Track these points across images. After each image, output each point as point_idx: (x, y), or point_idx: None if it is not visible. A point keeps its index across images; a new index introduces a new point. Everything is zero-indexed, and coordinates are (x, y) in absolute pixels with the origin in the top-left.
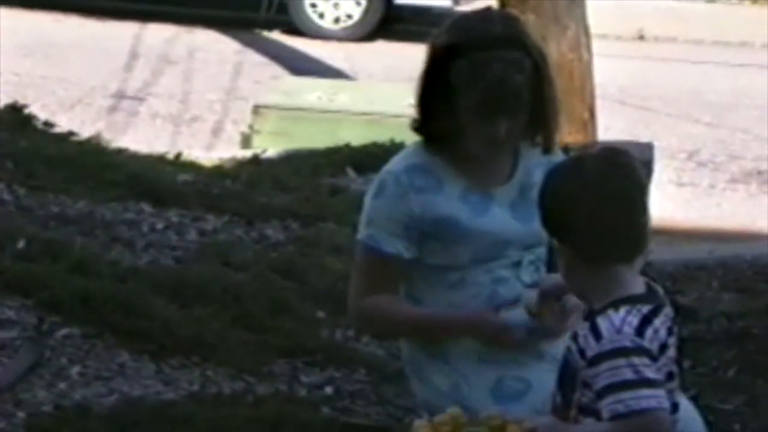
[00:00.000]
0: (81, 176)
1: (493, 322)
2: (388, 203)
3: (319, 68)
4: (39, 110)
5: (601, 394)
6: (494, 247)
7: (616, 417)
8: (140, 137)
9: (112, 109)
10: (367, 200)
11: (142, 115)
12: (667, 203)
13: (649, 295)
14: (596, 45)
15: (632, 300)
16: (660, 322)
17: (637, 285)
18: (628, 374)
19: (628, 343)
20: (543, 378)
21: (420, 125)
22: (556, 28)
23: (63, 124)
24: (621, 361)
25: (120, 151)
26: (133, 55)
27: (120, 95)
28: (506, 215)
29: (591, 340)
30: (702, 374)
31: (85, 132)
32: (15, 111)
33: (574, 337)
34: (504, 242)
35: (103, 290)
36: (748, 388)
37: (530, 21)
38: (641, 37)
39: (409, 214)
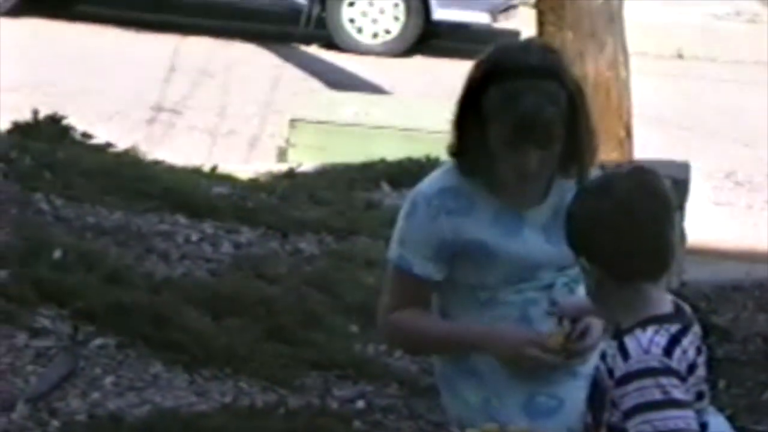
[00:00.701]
0: (117, 187)
1: (524, 335)
2: (420, 225)
3: (356, 83)
4: (77, 122)
5: (628, 414)
6: (525, 269)
7: None
8: (177, 150)
9: (150, 122)
10: (400, 220)
11: (179, 127)
12: (704, 223)
13: (677, 315)
14: (634, 63)
15: (660, 320)
16: (688, 342)
17: (665, 304)
18: (656, 395)
19: (656, 364)
20: (575, 396)
21: (455, 150)
22: (594, 45)
23: (101, 135)
24: (649, 382)
25: (156, 163)
26: (171, 68)
27: (158, 108)
28: (538, 238)
29: (619, 359)
30: (737, 395)
31: (122, 144)
32: (54, 122)
33: (603, 357)
34: (535, 265)
35: (137, 301)
36: None
37: (568, 38)
38: (680, 56)
39: (440, 236)
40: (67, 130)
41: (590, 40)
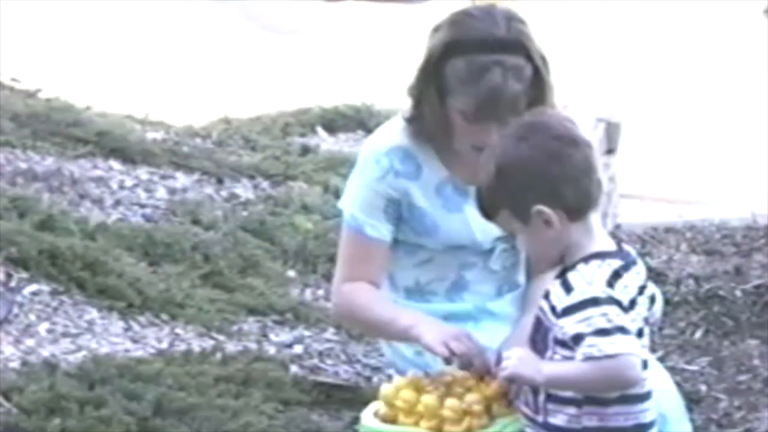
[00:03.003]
0: (49, 132)
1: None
2: (369, 183)
3: (292, 26)
4: (6, 67)
5: (575, 341)
6: (464, 240)
7: (589, 360)
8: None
9: (77, 69)
10: (353, 174)
11: (111, 75)
12: (637, 166)
13: (619, 252)
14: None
15: (602, 255)
16: (630, 278)
17: (608, 243)
18: (602, 322)
19: (599, 294)
20: (500, 340)
21: (410, 117)
22: None
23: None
24: (593, 311)
25: (88, 108)
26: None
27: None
28: (479, 215)
29: (562, 293)
30: (669, 336)
31: (52, 90)
32: None
33: (546, 296)
34: (474, 238)
35: (71, 247)
36: (714, 350)
37: None
38: None
39: (387, 195)
40: None
41: None
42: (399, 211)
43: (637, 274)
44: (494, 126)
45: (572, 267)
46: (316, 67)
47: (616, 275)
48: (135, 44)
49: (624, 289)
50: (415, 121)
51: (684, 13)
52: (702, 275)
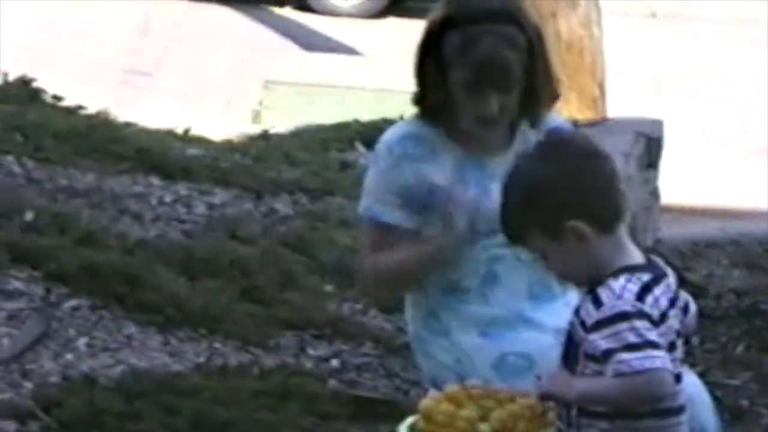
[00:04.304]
0: (90, 149)
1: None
2: (383, 173)
3: (330, 45)
4: (49, 85)
5: (606, 357)
6: (488, 220)
7: (619, 376)
8: (150, 113)
9: (122, 84)
10: (367, 173)
11: (152, 90)
12: (678, 181)
13: (648, 266)
14: (607, 22)
15: (632, 269)
16: (660, 292)
17: (637, 256)
18: (631, 337)
19: (629, 308)
20: (546, 354)
21: (416, 97)
22: (567, 3)
23: (73, 98)
24: (623, 325)
25: (129, 125)
26: (145, 31)
27: (129, 71)
28: (500, 187)
29: (591, 308)
30: (711, 350)
31: (94, 107)
32: (24, 85)
33: (576, 312)
34: (496, 215)
35: (110, 262)
36: (756, 364)
37: None
38: (653, 15)
39: (403, 183)
40: (38, 92)
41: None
42: (418, 197)
43: (667, 287)
44: (493, 94)
45: (602, 282)
46: (357, 83)
47: (646, 289)
48: (176, 60)
49: (654, 303)
50: (421, 101)
51: (724, 26)
52: (743, 289)
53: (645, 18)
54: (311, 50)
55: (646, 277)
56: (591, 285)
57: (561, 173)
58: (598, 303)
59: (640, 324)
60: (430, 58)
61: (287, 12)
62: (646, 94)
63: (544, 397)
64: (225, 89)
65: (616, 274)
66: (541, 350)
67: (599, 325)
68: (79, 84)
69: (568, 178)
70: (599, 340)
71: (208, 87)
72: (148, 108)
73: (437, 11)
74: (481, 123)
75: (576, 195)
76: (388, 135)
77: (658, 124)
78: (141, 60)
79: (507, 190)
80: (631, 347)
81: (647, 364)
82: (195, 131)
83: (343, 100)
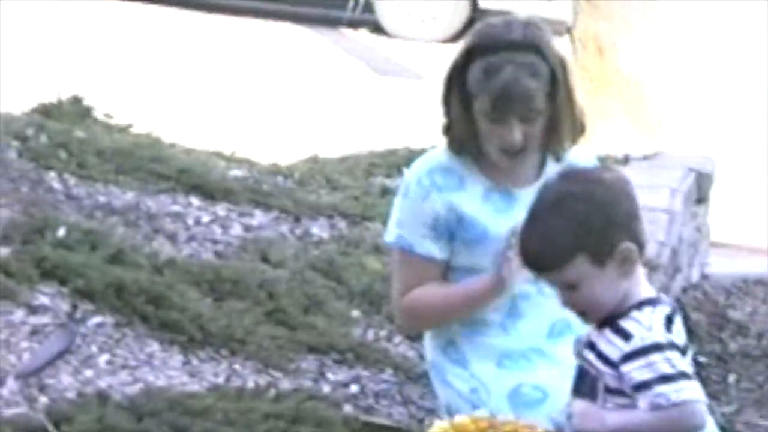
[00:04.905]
0: (133, 168)
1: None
2: (413, 205)
3: (400, 69)
4: (110, 103)
5: (638, 389)
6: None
7: (656, 409)
8: (205, 134)
9: (181, 104)
10: (394, 203)
11: (210, 111)
12: (729, 216)
13: (663, 299)
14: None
15: (653, 302)
16: (680, 324)
17: (651, 289)
18: (666, 368)
19: (661, 339)
20: (559, 387)
21: (444, 128)
22: (628, 35)
23: (134, 118)
24: (657, 357)
25: (173, 145)
26: (213, 50)
27: (192, 91)
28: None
29: (618, 341)
30: (746, 389)
31: (149, 126)
32: (76, 102)
33: (591, 346)
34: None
35: (137, 280)
36: None
37: (602, 27)
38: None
39: (433, 214)
40: (89, 110)
41: (624, 31)
42: (448, 227)
43: (681, 321)
44: (516, 124)
45: (624, 314)
46: (419, 109)
47: (669, 321)
48: (233, 81)
49: (678, 335)
50: (448, 131)
51: None
52: None
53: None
54: (384, 74)
55: (666, 309)
56: (609, 318)
57: (609, 195)
58: (626, 335)
59: (673, 355)
60: (456, 89)
61: (362, 35)
62: (701, 128)
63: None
64: (289, 111)
65: (638, 306)
66: (556, 384)
67: (630, 357)
68: (133, 103)
69: (616, 198)
70: (632, 372)
71: (270, 108)
72: (206, 130)
73: (464, 42)
74: (504, 153)
75: (625, 217)
76: (417, 165)
77: (709, 160)
78: (205, 80)
79: (547, 214)
80: (666, 378)
81: (684, 396)
82: (243, 153)
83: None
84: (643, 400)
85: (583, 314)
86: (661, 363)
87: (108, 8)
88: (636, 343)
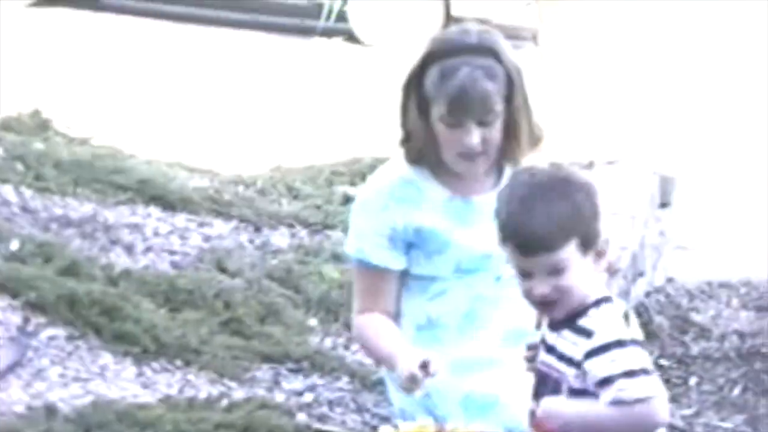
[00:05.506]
0: (91, 179)
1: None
2: (371, 216)
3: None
4: (64, 116)
5: (601, 384)
6: (476, 259)
7: (618, 404)
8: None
9: (142, 116)
10: (352, 214)
11: (180, 123)
12: (695, 220)
13: (615, 297)
14: None
15: (608, 299)
16: (635, 321)
17: (605, 289)
18: (628, 364)
19: (624, 336)
20: (512, 393)
21: (402, 138)
22: (595, 39)
23: (87, 130)
24: (619, 352)
25: (133, 156)
26: (191, 61)
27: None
28: (490, 226)
29: (580, 339)
30: (707, 392)
31: (107, 138)
32: (35, 115)
33: (550, 350)
34: (486, 254)
35: (90, 292)
36: (751, 408)
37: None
38: None
39: (392, 225)
40: (48, 122)
41: (589, 36)
42: (406, 239)
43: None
44: (474, 127)
45: (582, 313)
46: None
47: (627, 317)
48: (208, 93)
49: (636, 331)
50: (405, 141)
51: (740, 68)
52: (748, 332)
53: None
54: (357, 83)
55: (622, 306)
56: (566, 318)
57: (594, 189)
58: (587, 333)
59: (634, 351)
60: (413, 95)
61: (336, 44)
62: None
63: (539, 421)
64: (259, 122)
65: (596, 304)
66: (508, 390)
67: (594, 353)
68: (101, 117)
69: (598, 195)
70: (597, 368)
71: (240, 119)
72: (177, 142)
73: (421, 50)
74: (463, 158)
75: (602, 214)
76: (377, 177)
77: (674, 164)
78: (169, 92)
79: (551, 196)
80: (629, 374)
81: (646, 391)
82: (206, 164)
83: None
84: (605, 396)
85: (551, 304)
86: (623, 358)
87: (69, 20)
88: (598, 340)
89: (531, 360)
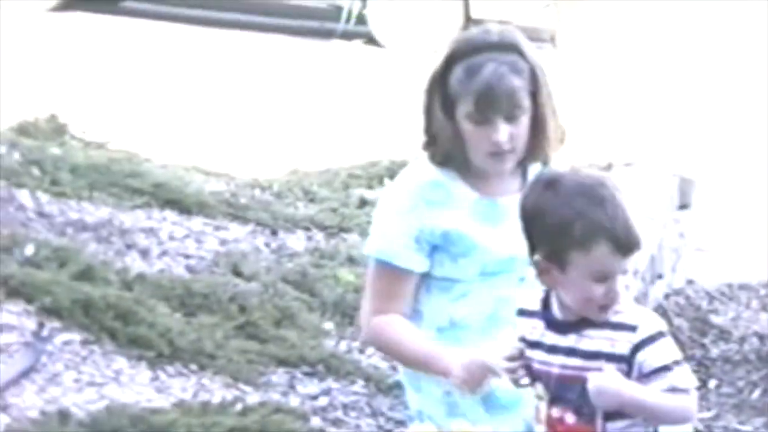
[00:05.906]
0: (107, 184)
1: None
2: (400, 217)
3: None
4: (81, 120)
5: (656, 372)
6: (502, 261)
7: (673, 391)
8: (182, 149)
9: (153, 121)
10: (377, 214)
11: (200, 126)
12: (716, 222)
13: None
14: None
15: None
16: None
17: None
18: (675, 354)
19: (662, 326)
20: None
21: (426, 142)
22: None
23: (104, 134)
24: (665, 342)
25: (149, 160)
26: (208, 64)
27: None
28: (514, 228)
29: (624, 335)
30: (726, 394)
31: (123, 142)
32: (52, 120)
33: (570, 353)
34: (512, 256)
35: (105, 297)
36: None
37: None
38: None
39: (419, 227)
40: (65, 127)
41: (608, 37)
42: (432, 242)
43: None
44: (501, 123)
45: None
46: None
47: None
48: (216, 95)
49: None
50: (430, 145)
51: (761, 71)
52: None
53: None
54: (377, 85)
55: None
56: (582, 320)
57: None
58: (629, 328)
59: (672, 342)
60: (437, 96)
61: (355, 47)
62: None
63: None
64: (278, 125)
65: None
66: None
67: (643, 344)
68: (118, 121)
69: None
70: (648, 360)
71: (260, 122)
72: (195, 147)
73: (444, 51)
74: (492, 157)
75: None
76: (405, 178)
77: (693, 165)
78: (189, 95)
79: (621, 199)
80: (678, 363)
81: (694, 381)
82: (222, 168)
83: None
84: (660, 383)
85: (610, 306)
86: (670, 348)
87: (88, 24)
88: (643, 332)
89: (513, 371)
